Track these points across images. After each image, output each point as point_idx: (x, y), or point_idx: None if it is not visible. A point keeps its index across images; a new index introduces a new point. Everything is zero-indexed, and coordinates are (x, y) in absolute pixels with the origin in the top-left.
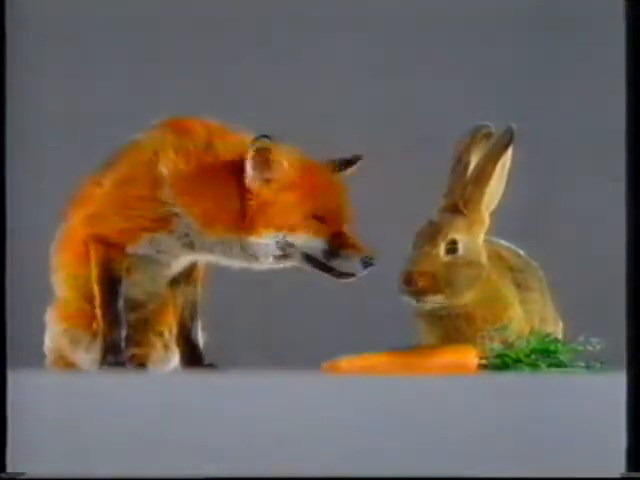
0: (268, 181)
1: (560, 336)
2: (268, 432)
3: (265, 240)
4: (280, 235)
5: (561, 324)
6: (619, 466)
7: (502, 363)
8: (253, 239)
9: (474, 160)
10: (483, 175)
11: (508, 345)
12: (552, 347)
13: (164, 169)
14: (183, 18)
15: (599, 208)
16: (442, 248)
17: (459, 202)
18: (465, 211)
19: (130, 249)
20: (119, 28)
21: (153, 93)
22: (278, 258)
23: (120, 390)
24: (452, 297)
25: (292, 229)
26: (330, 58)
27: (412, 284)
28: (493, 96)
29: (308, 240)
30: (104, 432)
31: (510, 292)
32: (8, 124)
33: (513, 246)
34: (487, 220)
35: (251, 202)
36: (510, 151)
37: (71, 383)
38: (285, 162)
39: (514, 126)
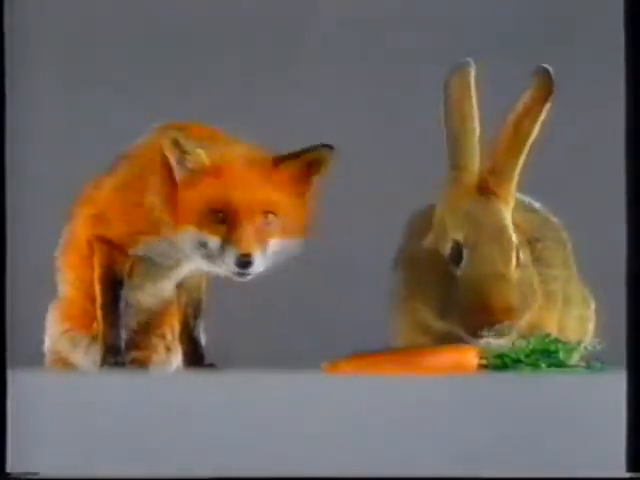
0: (190, 172)
1: (592, 321)
2: (268, 432)
3: (182, 237)
4: (192, 230)
5: (593, 305)
6: (619, 466)
7: (502, 363)
8: (178, 237)
9: (470, 112)
10: (521, 136)
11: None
12: (552, 347)
13: (152, 176)
14: (184, 19)
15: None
16: (514, 255)
17: (488, 179)
18: (499, 191)
19: (131, 252)
20: (120, 28)
21: (154, 94)
22: (205, 258)
23: (120, 390)
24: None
25: (199, 225)
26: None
27: (495, 325)
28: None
29: (206, 236)
30: (104, 432)
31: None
32: (8, 124)
33: (523, 197)
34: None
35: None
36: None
37: (71, 383)
38: (202, 151)
39: (548, 67)
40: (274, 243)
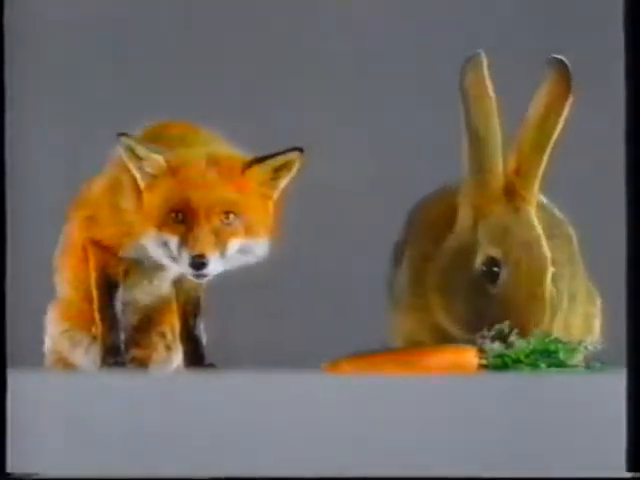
0: (150, 176)
1: (598, 318)
2: (268, 432)
3: (145, 238)
4: (153, 231)
5: (599, 302)
6: (619, 466)
7: (502, 363)
8: (142, 238)
9: (491, 108)
10: (546, 132)
11: (508, 345)
12: (552, 347)
13: (126, 179)
14: (183, 18)
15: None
16: (549, 271)
17: (515, 181)
18: (525, 193)
19: (122, 254)
20: (120, 28)
21: (154, 94)
22: (169, 259)
23: (120, 390)
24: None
25: (160, 226)
26: None
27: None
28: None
29: (165, 236)
30: (104, 432)
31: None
32: (8, 123)
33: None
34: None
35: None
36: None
37: (71, 383)
38: (158, 156)
39: (562, 58)
40: (236, 243)
